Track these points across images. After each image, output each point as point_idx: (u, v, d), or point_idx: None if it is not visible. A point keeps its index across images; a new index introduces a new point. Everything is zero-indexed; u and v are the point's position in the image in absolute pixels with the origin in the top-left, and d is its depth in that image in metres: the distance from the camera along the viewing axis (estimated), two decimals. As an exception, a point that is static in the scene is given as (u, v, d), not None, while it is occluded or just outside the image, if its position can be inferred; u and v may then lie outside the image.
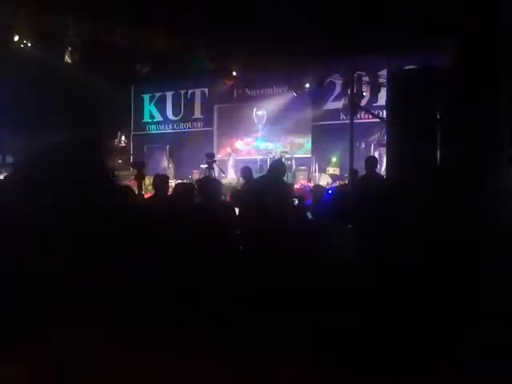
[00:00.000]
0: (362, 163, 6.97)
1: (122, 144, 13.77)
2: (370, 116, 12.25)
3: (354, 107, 8.65)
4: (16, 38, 9.40)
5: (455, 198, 4.14)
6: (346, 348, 3.44)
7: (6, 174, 11.77)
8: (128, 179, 11.21)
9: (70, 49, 9.71)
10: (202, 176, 11.45)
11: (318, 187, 7.49)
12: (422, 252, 3.86)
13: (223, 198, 6.51)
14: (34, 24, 9.22)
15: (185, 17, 9.24)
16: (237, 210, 5.53)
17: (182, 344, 3.52)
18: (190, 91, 16.23)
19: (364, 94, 12.28)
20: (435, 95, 4.51)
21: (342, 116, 13.60)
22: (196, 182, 6.15)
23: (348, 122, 8.22)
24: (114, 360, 3.30)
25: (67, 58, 9.80)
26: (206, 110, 16.09)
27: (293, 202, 6.33)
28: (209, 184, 5.42)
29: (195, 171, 13.46)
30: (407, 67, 8.77)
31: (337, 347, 3.46)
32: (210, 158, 11.19)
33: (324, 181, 11.90)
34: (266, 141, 15.14)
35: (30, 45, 9.55)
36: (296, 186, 10.66)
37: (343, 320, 3.69)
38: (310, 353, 3.42)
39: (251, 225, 4.57)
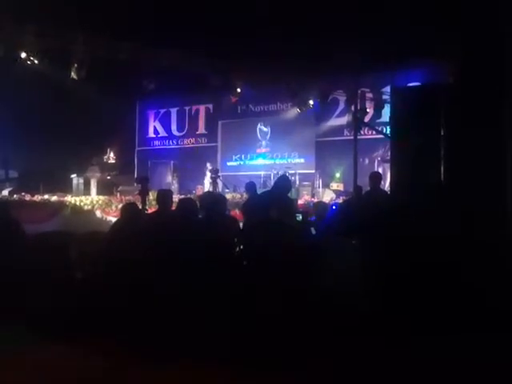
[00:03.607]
0: (366, 179, 6.94)
1: (112, 160, 13.73)
2: (374, 132, 12.28)
3: (357, 123, 8.68)
4: (23, 55, 9.51)
5: (458, 214, 4.12)
6: (347, 366, 3.41)
7: (9, 188, 11.86)
8: (132, 194, 11.25)
9: (76, 65, 9.79)
10: (206, 191, 11.45)
11: (320, 203, 7.47)
12: (427, 268, 3.83)
13: (227, 212, 6.49)
14: (42, 41, 9.33)
15: (190, 34, 9.35)
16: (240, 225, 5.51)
17: (187, 355, 3.54)
18: (194, 107, 16.37)
19: (368, 110, 12.34)
20: (439, 111, 4.52)
21: (346, 132, 13.65)
22: (199, 197, 6.12)
23: (352, 138, 8.25)
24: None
25: (73, 75, 9.88)
26: (211, 125, 16.20)
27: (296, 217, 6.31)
28: (213, 199, 5.42)
29: (199, 186, 13.49)
30: (411, 84, 8.81)
31: (338, 365, 3.43)
32: (214, 173, 11.23)
33: (328, 196, 11.88)
34: (269, 156, 15.20)
35: (36, 62, 9.64)
36: (300, 202, 10.64)
37: (346, 339, 3.66)
38: (307, 368, 3.40)
39: (255, 240, 4.55)
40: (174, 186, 13.78)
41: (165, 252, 4.20)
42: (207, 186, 13.23)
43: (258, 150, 15.45)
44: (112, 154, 13.64)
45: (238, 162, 15.77)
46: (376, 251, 4.09)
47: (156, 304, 3.92)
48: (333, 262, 4.07)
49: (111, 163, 13.53)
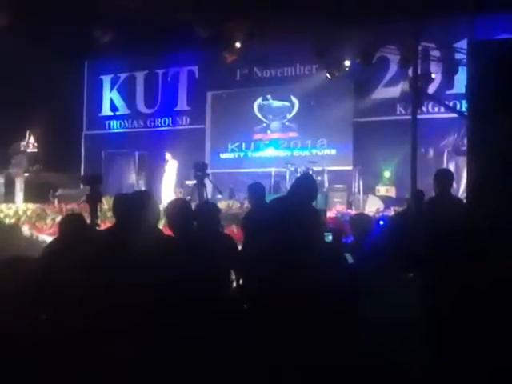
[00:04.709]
0: (430, 180, 6.96)
1: (32, 148, 13.71)
2: (442, 109, 12.28)
3: (417, 96, 8.63)
4: None
5: None
6: None
7: None
8: (77, 201, 11.27)
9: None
10: (174, 198, 11.40)
11: (361, 216, 7.48)
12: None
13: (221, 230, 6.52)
14: None
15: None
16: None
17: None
18: (171, 71, 16.42)
19: (433, 76, 12.33)
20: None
21: (400, 109, 13.68)
22: (165, 209, 5.84)
23: (408, 117, 8.21)
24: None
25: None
26: (196, 98, 16.25)
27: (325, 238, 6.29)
28: (201, 213, 5.40)
29: (178, 190, 13.51)
30: (498, 37, 8.78)
31: None
32: (201, 171, 11.22)
33: (372, 206, 11.92)
34: (284, 145, 15.20)
35: None
36: (330, 214, 10.63)
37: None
38: None
39: (262, 274, 4.54)
40: (140, 189, 13.80)
41: (125, 291, 4.18)
42: (169, 191, 13.20)
43: (267, 136, 15.47)
44: (32, 140, 13.61)
45: (237, 154, 15.83)
46: (447, 292, 4.05)
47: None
48: (381, 308, 4.04)
49: (31, 152, 13.51)
